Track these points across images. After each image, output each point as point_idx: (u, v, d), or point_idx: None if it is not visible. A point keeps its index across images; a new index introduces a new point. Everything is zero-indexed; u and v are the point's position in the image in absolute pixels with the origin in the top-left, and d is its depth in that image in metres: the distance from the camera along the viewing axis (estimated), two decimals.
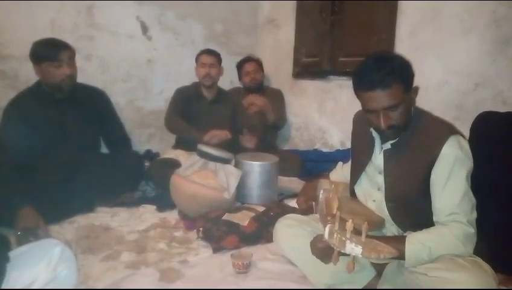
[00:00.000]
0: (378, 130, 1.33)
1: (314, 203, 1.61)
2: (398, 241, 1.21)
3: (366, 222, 1.15)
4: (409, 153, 1.34)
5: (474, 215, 1.26)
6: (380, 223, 1.42)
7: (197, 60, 2.85)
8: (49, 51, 2.12)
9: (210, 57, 2.80)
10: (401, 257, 1.20)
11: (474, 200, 1.28)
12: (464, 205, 1.25)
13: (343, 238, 1.14)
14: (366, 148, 1.47)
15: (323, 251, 1.25)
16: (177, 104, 2.83)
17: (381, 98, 1.24)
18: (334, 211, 1.32)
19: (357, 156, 1.55)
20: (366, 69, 1.26)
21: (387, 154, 1.39)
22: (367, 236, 1.14)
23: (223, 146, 2.45)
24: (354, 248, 1.13)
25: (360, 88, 1.28)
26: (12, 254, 1.25)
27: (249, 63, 3.25)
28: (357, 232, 1.16)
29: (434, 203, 1.29)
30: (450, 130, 1.31)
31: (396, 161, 1.37)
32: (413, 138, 1.34)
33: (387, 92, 1.23)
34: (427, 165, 1.28)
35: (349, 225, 1.14)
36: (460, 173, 1.25)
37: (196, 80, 2.87)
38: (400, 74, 1.24)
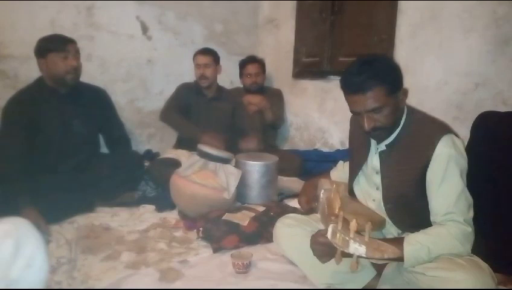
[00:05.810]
0: (363, 131, 1.34)
1: (316, 204, 1.61)
2: (397, 243, 1.21)
3: (369, 222, 1.15)
4: (403, 153, 1.34)
5: (471, 214, 1.26)
6: (381, 223, 1.42)
7: (193, 60, 2.85)
8: (56, 43, 2.13)
9: (205, 57, 2.79)
10: (401, 257, 1.20)
11: (470, 199, 1.27)
12: (460, 204, 1.24)
13: (347, 238, 1.13)
14: (363, 149, 1.48)
15: (324, 248, 1.24)
16: (176, 100, 2.84)
17: (363, 101, 1.26)
18: (336, 210, 1.32)
19: (354, 156, 1.55)
20: (349, 73, 1.29)
21: (382, 155, 1.40)
22: None
23: (223, 146, 2.45)
24: (357, 248, 1.13)
25: (344, 91, 1.32)
26: None
27: (252, 65, 3.20)
28: (358, 232, 1.16)
29: (430, 203, 1.29)
30: (443, 129, 1.31)
31: (392, 162, 1.37)
32: (407, 138, 1.34)
33: (368, 96, 1.25)
34: (422, 165, 1.28)
35: (353, 224, 1.13)
36: (455, 172, 1.25)
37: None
38: (382, 77, 1.25)
